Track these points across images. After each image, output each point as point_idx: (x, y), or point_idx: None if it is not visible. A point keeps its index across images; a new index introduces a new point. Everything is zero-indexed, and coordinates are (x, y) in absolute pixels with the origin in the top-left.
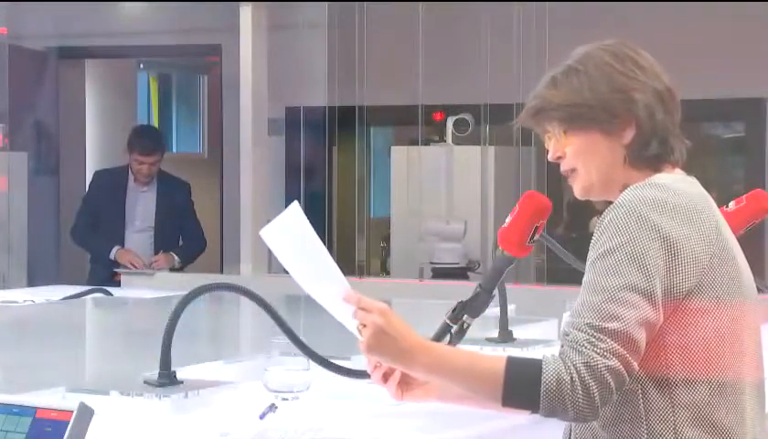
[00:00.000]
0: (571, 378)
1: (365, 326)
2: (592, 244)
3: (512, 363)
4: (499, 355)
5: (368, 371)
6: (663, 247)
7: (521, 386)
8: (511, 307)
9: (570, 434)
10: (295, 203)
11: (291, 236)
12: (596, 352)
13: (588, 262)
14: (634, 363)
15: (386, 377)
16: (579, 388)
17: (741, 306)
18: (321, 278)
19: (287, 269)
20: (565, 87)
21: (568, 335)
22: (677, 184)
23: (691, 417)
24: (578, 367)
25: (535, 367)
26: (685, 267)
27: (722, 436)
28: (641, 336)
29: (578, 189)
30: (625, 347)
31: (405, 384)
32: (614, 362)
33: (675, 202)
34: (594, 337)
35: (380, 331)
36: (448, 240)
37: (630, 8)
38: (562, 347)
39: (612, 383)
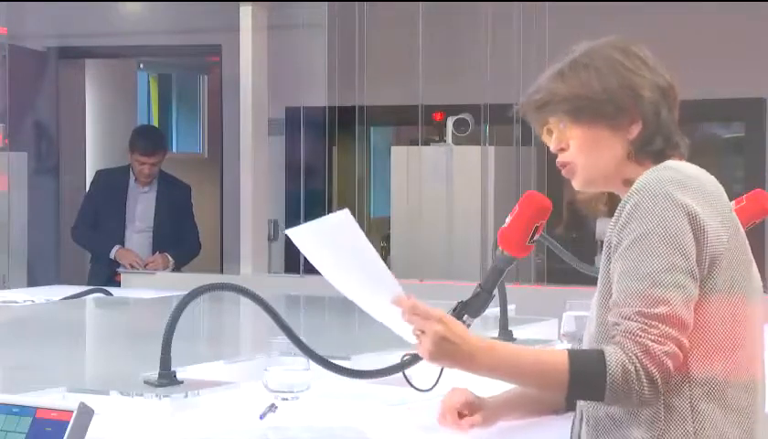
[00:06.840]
0: (635, 367)
1: (423, 332)
2: (617, 230)
3: (575, 357)
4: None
5: (438, 422)
6: (690, 224)
7: (587, 379)
8: (511, 307)
9: (581, 412)
10: (347, 211)
11: (335, 241)
12: (651, 339)
13: (620, 249)
14: (686, 342)
15: (455, 420)
16: (643, 376)
17: (752, 291)
18: (369, 283)
19: (322, 272)
20: (573, 80)
21: (618, 325)
22: (689, 169)
23: (706, 392)
24: (639, 356)
25: (598, 359)
26: (708, 243)
27: (736, 413)
28: (688, 314)
29: (578, 182)
30: (677, 330)
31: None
32: (670, 347)
33: (691, 183)
34: (646, 323)
35: (441, 338)
36: None
37: (630, 8)
38: (614, 337)
39: (670, 366)
